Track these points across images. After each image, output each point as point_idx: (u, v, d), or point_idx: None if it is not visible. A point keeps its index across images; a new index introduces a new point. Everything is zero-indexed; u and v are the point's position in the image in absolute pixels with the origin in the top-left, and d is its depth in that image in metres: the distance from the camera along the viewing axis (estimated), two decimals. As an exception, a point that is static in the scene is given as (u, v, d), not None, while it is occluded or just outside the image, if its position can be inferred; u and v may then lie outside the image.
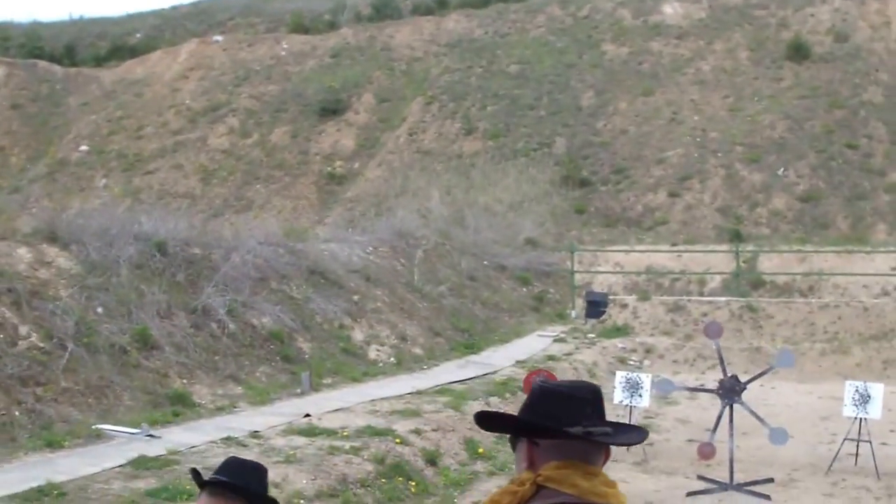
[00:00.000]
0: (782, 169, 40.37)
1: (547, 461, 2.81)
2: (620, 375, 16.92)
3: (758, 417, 14.11)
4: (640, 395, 16.29)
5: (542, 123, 47.30)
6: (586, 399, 2.88)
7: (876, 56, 46.13)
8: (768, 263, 33.54)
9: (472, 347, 25.95)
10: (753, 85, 46.37)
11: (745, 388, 14.11)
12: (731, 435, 14.20)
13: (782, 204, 38.97)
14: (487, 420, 3.03)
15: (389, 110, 52.04)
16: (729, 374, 14.52)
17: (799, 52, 46.75)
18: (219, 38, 61.73)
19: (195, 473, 4.29)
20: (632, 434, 3.04)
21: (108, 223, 20.83)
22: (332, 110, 52.08)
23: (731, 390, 14.14)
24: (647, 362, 26.72)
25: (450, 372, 22.35)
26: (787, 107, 43.82)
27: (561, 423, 2.78)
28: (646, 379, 16.48)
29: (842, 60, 46.10)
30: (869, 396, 15.07)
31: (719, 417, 14.56)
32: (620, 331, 29.11)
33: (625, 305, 30.41)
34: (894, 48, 46.57)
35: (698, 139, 43.20)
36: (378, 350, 23.38)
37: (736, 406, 14.56)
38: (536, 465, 2.84)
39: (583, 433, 2.78)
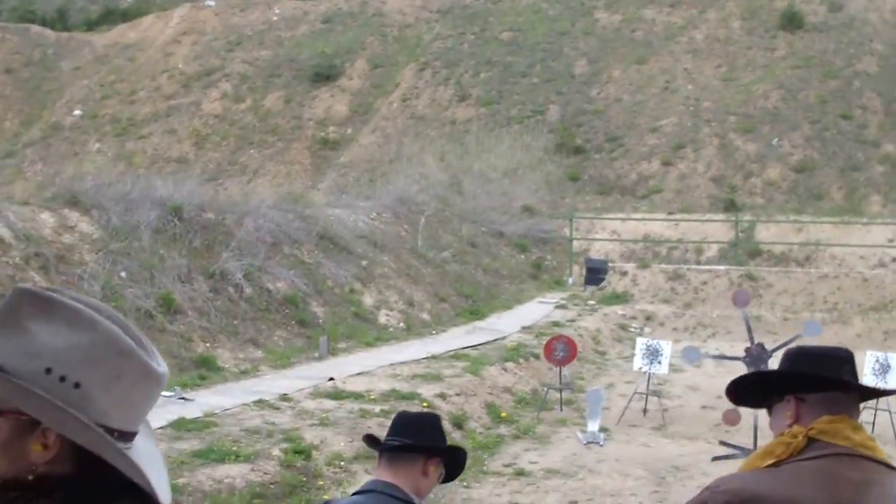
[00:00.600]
0: (776, 139, 40.63)
1: (815, 417, 3.06)
2: (641, 342, 17.20)
3: (783, 384, 14.36)
4: (660, 362, 16.57)
5: (535, 91, 47.43)
6: (844, 358, 3.13)
7: (870, 26, 46.29)
8: (765, 233, 33.90)
9: (476, 313, 26.23)
10: (747, 54, 46.55)
11: (770, 357, 14.39)
12: (756, 401, 14.46)
13: (776, 174, 39.24)
14: (746, 384, 3.26)
15: (382, 76, 52.07)
16: (755, 342, 14.79)
17: (792, 21, 46.87)
18: (211, 2, 61.53)
19: (370, 438, 4.41)
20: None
21: (126, 188, 20.98)
22: (325, 76, 52.07)
23: (757, 358, 14.43)
24: (647, 329, 26.99)
25: (459, 337, 22.61)
26: (780, 77, 44.03)
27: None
28: (665, 346, 16.75)
29: (836, 30, 46.27)
30: (889, 366, 15.32)
31: (745, 385, 14.80)
32: (620, 298, 29.33)
33: (624, 273, 30.65)
34: (889, 18, 46.76)
35: (692, 108, 43.40)
36: (388, 315, 23.63)
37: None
38: (804, 421, 3.08)
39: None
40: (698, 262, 32.64)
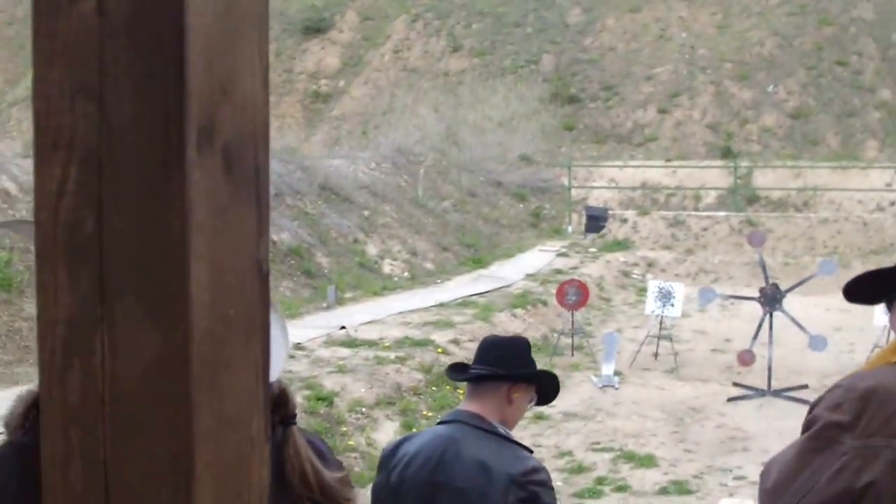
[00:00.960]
0: (772, 86, 40.56)
1: None
2: (654, 285, 17.18)
3: (798, 325, 14.45)
4: (672, 305, 16.56)
5: (528, 41, 47.17)
6: None
7: (864, -28, 46.15)
8: (762, 179, 33.88)
9: (479, 262, 26.21)
10: (741, 2, 46.28)
11: (784, 297, 14.42)
12: (771, 343, 14.53)
13: (772, 121, 39.20)
14: (866, 280, 3.21)
15: (373, 28, 51.70)
16: (770, 282, 14.81)
17: (786, -32, 46.69)
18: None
19: (453, 367, 4.32)
20: None
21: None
22: (315, 29, 51.66)
23: (772, 298, 14.45)
24: (649, 276, 27.00)
25: (464, 286, 22.57)
26: (776, 24, 43.85)
27: None
28: (678, 289, 16.74)
29: (830, -24, 46.11)
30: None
31: (760, 325, 14.87)
32: (621, 245, 29.33)
33: (624, 220, 30.64)
34: (882, -36, 46.60)
35: (687, 56, 43.25)
36: (392, 264, 23.61)
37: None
38: None
39: None
40: (696, 209, 32.63)
